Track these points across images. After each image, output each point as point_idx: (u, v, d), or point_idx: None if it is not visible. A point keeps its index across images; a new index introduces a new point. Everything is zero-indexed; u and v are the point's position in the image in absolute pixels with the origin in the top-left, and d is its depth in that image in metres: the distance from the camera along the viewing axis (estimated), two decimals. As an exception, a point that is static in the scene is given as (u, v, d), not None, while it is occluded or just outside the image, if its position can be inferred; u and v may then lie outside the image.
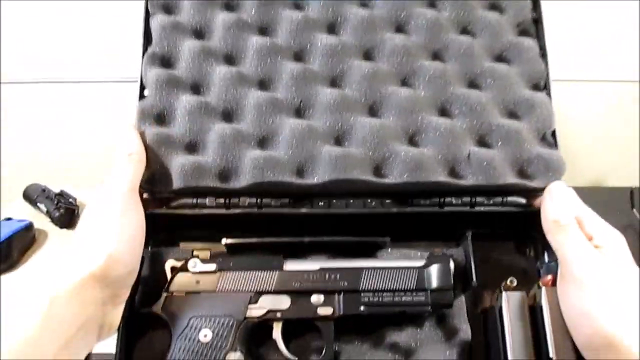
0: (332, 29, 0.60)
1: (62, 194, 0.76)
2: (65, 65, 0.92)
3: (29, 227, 0.76)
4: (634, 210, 0.78)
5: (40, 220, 0.77)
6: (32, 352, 0.40)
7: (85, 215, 0.49)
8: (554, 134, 0.58)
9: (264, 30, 0.60)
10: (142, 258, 0.53)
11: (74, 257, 0.46)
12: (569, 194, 0.52)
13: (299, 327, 0.54)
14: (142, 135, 0.54)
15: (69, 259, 0.46)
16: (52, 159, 0.85)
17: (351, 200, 0.55)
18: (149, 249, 0.56)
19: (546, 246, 0.57)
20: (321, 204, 0.55)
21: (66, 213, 0.74)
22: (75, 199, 0.77)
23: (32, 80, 0.91)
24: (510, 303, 0.52)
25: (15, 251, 0.73)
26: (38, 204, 0.77)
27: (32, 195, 0.78)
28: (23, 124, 0.88)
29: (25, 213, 0.78)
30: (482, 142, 0.57)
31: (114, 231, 0.47)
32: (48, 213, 0.74)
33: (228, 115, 0.58)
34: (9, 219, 0.76)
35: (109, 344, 0.51)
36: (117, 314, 0.49)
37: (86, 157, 0.84)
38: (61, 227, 0.75)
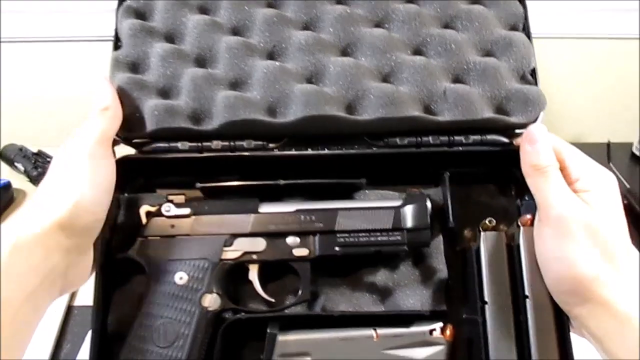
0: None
1: (39, 154, 0.75)
2: (42, 23, 0.90)
3: (7, 186, 0.75)
4: (610, 164, 0.79)
5: (19, 180, 0.77)
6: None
7: (52, 166, 0.48)
8: (533, 72, 0.56)
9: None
10: (118, 204, 0.53)
11: (39, 205, 0.45)
12: (548, 137, 0.50)
13: (276, 269, 0.54)
14: (115, 81, 0.53)
15: (33, 207, 0.45)
16: (29, 119, 0.84)
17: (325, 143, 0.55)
18: (125, 195, 0.55)
19: (525, 186, 0.57)
20: (295, 146, 0.55)
21: (44, 172, 0.73)
22: (51, 157, 0.76)
23: (7, 39, 0.89)
24: (487, 243, 0.52)
25: (-7, 210, 0.73)
26: (15, 163, 0.76)
27: (9, 155, 0.77)
28: (-1, 84, 0.87)
29: (3, 173, 0.78)
30: (459, 80, 0.55)
31: (82, 179, 0.46)
32: (26, 172, 0.74)
33: (201, 61, 0.57)
34: (-13, 179, 0.76)
35: (88, 294, 0.50)
36: (81, 264, 0.48)
37: (63, 117, 0.82)
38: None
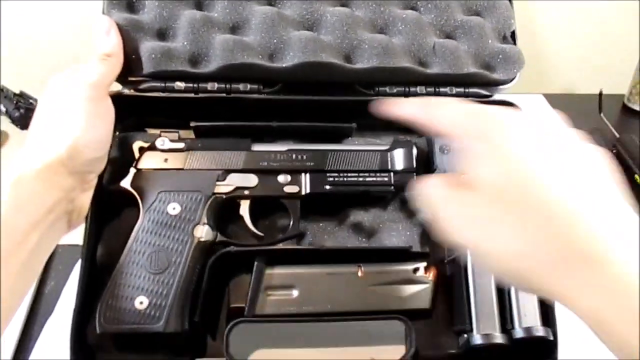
0: None
1: (21, 95, 0.73)
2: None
3: (-13, 127, 0.74)
4: (602, 114, 0.81)
5: (1, 121, 0.75)
6: (3, 236, 0.40)
7: (45, 107, 0.48)
8: (513, 34, 0.60)
9: None
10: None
11: (37, 144, 0.45)
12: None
13: (266, 206, 0.55)
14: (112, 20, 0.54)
15: (32, 145, 0.45)
16: (9, 59, 0.81)
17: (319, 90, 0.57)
18: (117, 133, 0.56)
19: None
20: (289, 92, 0.56)
21: (26, 113, 0.71)
22: (35, 100, 0.75)
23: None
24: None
25: (-25, 150, 0.71)
26: (-4, 104, 0.74)
27: (-11, 96, 0.75)
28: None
29: (-17, 114, 0.76)
30: (447, 36, 0.59)
31: (80, 120, 0.46)
32: (7, 113, 0.72)
33: (199, 4, 0.58)
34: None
35: (73, 233, 0.51)
36: (85, 200, 0.49)
37: (47, 58, 0.80)
38: (22, 128, 0.73)
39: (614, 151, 0.82)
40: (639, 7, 0.91)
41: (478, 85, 0.58)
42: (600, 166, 0.31)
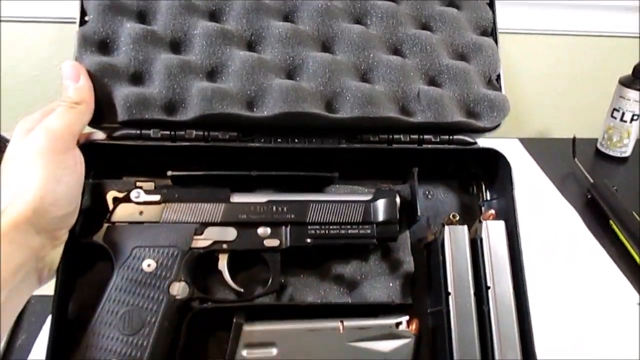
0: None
1: None
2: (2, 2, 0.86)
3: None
4: (576, 159, 0.81)
5: None
6: None
7: (10, 159, 0.45)
8: (498, 78, 0.60)
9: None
10: (82, 190, 0.51)
11: (2, 199, 0.43)
12: None
13: (246, 259, 0.53)
14: (84, 64, 0.52)
15: None
16: None
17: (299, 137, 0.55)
18: (90, 180, 0.54)
19: (488, 184, 0.59)
20: (269, 139, 0.55)
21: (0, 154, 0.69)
22: (8, 141, 0.72)
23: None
24: (451, 236, 0.54)
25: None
26: (-30, 146, 0.72)
27: (-37, 137, 0.73)
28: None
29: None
30: (432, 82, 0.58)
31: (43, 172, 0.44)
32: None
33: (176, 46, 0.56)
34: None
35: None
36: (56, 255, 0.47)
37: (22, 99, 0.79)
38: None
39: (589, 197, 0.82)
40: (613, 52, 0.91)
41: (462, 131, 0.57)
42: None
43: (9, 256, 0.42)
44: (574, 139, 0.83)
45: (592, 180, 0.82)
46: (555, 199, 0.77)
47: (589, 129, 0.91)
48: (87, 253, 0.51)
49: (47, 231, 0.45)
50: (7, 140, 0.71)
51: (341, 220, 0.53)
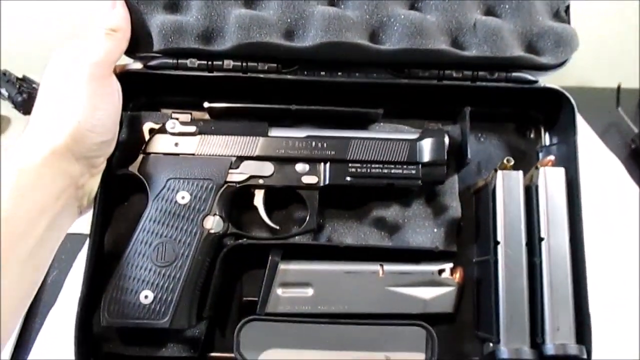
0: None
1: (24, 79, 0.70)
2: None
3: (-10, 112, 0.71)
4: (619, 108, 0.76)
5: (3, 107, 0.73)
6: (7, 224, 0.39)
7: (47, 89, 0.45)
8: (567, 9, 0.53)
9: None
10: (120, 122, 0.50)
11: (41, 128, 0.43)
12: None
13: (282, 196, 0.51)
14: None
15: (34, 132, 0.43)
16: (12, 42, 0.79)
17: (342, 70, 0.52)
18: (128, 112, 0.52)
19: (547, 128, 0.54)
20: (310, 70, 0.52)
21: (29, 98, 0.69)
22: (38, 85, 0.72)
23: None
24: (504, 182, 0.50)
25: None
26: (-1, 88, 0.71)
27: (-8, 79, 0.72)
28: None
29: (-15, 99, 0.73)
30: (490, 12, 0.52)
31: (81, 103, 0.43)
32: (10, 98, 0.69)
33: (213, -28, 0.53)
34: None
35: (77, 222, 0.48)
36: (95, 184, 0.47)
37: (50, 39, 0.77)
38: (24, 113, 0.70)
39: (633, 146, 0.77)
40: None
41: (522, 69, 0.52)
42: None
43: (50, 182, 0.42)
44: (618, 87, 0.78)
45: (636, 130, 0.77)
46: (598, 148, 0.74)
47: (635, 78, 0.85)
48: (124, 185, 0.51)
49: (85, 158, 0.45)
50: (36, 83, 0.71)
51: (384, 159, 0.49)
